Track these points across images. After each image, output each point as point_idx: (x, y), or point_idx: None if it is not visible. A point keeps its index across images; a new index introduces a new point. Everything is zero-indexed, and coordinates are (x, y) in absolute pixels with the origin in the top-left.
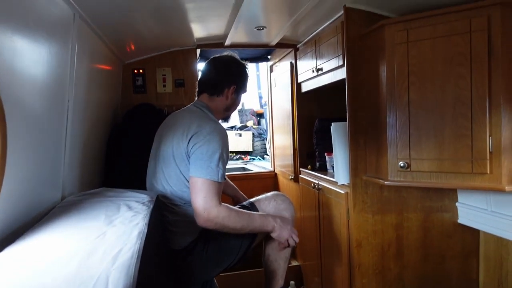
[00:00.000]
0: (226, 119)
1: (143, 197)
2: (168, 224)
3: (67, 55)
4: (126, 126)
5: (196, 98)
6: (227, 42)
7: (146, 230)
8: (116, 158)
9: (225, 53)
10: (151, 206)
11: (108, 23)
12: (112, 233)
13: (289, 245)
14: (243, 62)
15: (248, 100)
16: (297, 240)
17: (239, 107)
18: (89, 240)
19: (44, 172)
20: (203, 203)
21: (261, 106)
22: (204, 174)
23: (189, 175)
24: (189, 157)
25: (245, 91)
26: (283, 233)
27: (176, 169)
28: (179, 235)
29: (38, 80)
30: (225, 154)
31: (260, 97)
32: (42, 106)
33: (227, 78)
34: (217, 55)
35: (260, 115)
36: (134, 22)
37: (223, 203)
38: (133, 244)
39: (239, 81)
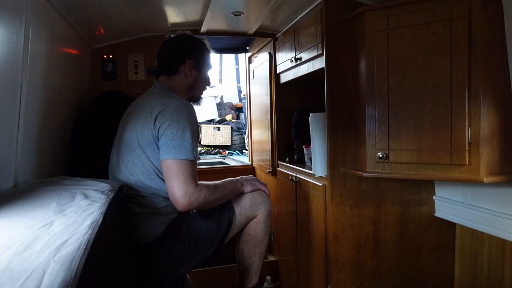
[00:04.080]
0: (194, 100)
1: (104, 185)
2: (133, 217)
3: (20, 31)
4: (92, 114)
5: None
6: (203, 29)
7: (101, 220)
8: (81, 147)
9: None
10: (112, 195)
11: (72, 1)
12: (60, 223)
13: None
14: (199, 38)
15: (227, 94)
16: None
17: (217, 97)
18: (31, 230)
19: None
20: (183, 187)
21: (240, 100)
22: (180, 155)
23: (156, 160)
24: (157, 139)
25: (208, 66)
26: (254, 183)
27: (142, 154)
28: (144, 228)
29: None
30: (196, 130)
31: (239, 91)
32: None
33: (180, 54)
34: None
35: (239, 109)
36: (102, 1)
37: (198, 182)
38: (82, 235)
39: (195, 56)
